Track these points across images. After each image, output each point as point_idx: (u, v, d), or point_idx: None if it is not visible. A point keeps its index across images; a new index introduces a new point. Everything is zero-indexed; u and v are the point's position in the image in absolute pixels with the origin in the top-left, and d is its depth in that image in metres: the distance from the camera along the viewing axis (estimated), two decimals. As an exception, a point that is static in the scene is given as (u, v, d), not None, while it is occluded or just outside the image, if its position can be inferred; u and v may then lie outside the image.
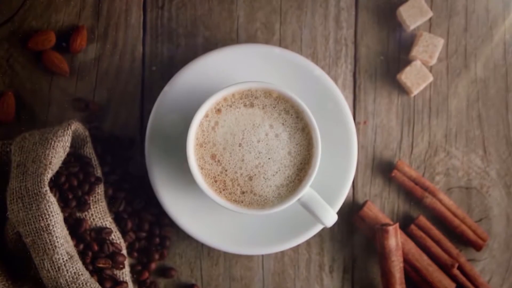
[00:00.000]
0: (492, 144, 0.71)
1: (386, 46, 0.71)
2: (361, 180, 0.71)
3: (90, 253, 0.64)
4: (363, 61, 0.71)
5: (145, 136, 0.66)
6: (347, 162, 0.66)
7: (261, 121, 0.62)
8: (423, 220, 0.70)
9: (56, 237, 0.60)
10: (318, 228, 0.66)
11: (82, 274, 0.61)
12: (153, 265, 0.69)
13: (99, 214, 0.66)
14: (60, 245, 0.60)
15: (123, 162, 0.69)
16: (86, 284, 0.61)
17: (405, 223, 0.71)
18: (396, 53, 0.72)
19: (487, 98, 0.71)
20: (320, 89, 0.66)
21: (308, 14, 0.71)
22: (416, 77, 0.69)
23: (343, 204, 0.69)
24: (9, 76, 0.70)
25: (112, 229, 0.66)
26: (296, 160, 0.62)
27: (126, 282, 0.65)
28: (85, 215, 0.66)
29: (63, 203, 0.64)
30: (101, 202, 0.67)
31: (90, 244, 0.65)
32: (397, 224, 0.68)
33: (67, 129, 0.63)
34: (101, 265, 0.64)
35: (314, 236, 0.69)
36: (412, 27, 0.70)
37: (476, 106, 0.71)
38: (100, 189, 0.67)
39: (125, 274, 0.66)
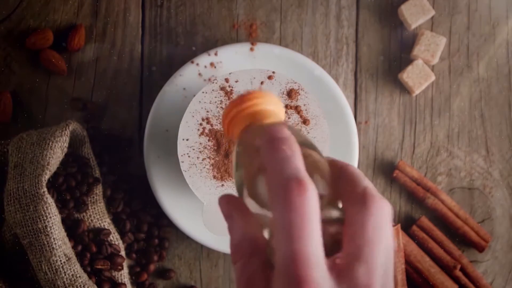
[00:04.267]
0: (495, 144, 0.71)
1: (388, 45, 0.71)
2: (362, 181, 0.70)
3: (88, 255, 0.64)
4: (364, 60, 0.71)
5: (144, 136, 0.66)
6: (348, 162, 0.66)
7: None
8: (425, 221, 0.69)
9: (53, 238, 0.59)
10: (319, 229, 0.66)
11: (80, 276, 0.60)
12: (152, 267, 0.69)
13: (97, 215, 0.66)
14: (57, 247, 0.59)
15: (121, 163, 0.69)
16: (84, 286, 0.60)
17: (407, 224, 0.70)
18: (397, 52, 0.71)
19: (489, 98, 0.71)
20: (321, 89, 0.66)
21: (308, 12, 0.71)
22: (418, 76, 0.69)
23: (344, 205, 0.69)
24: (6, 75, 0.70)
25: (111, 230, 0.66)
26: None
27: (124, 284, 0.65)
28: (83, 216, 0.65)
29: (61, 204, 0.64)
30: (100, 203, 0.66)
31: (88, 246, 0.64)
32: (399, 225, 0.67)
33: (65, 129, 0.62)
34: (99, 267, 0.64)
35: (315, 237, 0.68)
36: (413, 25, 0.69)
37: (479, 106, 0.71)
38: (98, 190, 0.66)
39: (124, 276, 0.66)
